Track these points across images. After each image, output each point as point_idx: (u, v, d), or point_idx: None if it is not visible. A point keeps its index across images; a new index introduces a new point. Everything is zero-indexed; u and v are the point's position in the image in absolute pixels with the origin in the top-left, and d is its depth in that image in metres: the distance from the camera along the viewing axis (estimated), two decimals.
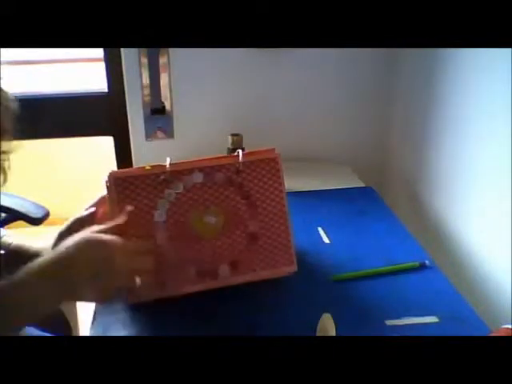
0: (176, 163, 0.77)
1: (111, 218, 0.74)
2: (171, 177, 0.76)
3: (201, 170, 0.78)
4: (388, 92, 1.33)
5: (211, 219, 0.77)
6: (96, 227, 0.68)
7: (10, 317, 0.61)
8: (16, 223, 1.27)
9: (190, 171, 0.77)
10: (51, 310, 0.65)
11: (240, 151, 0.80)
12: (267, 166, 0.80)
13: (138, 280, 0.68)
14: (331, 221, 1.03)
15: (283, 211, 0.80)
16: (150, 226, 0.75)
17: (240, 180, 0.79)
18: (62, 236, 0.73)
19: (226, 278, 0.77)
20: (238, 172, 0.79)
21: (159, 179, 0.76)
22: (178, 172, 0.77)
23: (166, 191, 0.76)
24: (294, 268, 0.81)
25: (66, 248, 0.64)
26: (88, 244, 0.65)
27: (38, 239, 0.81)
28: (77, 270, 0.63)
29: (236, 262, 0.77)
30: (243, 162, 0.79)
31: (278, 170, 0.81)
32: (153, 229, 0.75)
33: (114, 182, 0.74)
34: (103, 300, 0.69)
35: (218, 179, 0.78)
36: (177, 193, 0.76)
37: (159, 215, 0.75)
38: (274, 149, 0.82)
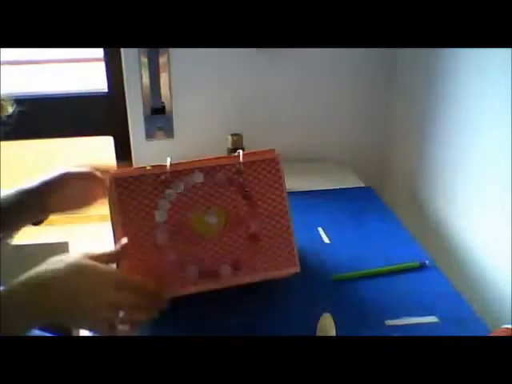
0: (176, 163, 0.77)
1: (112, 219, 0.74)
2: (171, 177, 0.76)
3: (201, 170, 0.78)
4: (388, 92, 1.33)
5: (212, 219, 0.77)
6: (91, 253, 0.66)
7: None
8: None
9: (191, 171, 0.77)
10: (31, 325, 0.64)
11: (240, 151, 0.80)
12: (268, 166, 0.80)
13: (120, 314, 0.65)
14: (331, 221, 1.03)
15: (284, 212, 0.80)
16: (150, 226, 0.75)
17: (241, 180, 0.79)
18: (48, 185, 0.78)
19: (228, 278, 0.77)
20: (238, 172, 0.79)
21: (160, 179, 0.76)
22: (179, 172, 0.77)
23: (167, 191, 0.76)
24: (296, 269, 0.80)
25: (51, 270, 0.62)
26: (77, 270, 0.63)
27: (38, 239, 0.81)
28: (55, 298, 0.61)
29: (238, 262, 0.77)
30: (244, 163, 0.79)
31: (279, 171, 0.81)
32: (154, 229, 0.75)
33: (114, 182, 0.74)
34: (80, 328, 0.67)
35: (218, 179, 0.78)
36: (177, 193, 0.76)
37: (160, 215, 0.75)
38: (274, 149, 0.82)
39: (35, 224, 0.81)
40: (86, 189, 0.81)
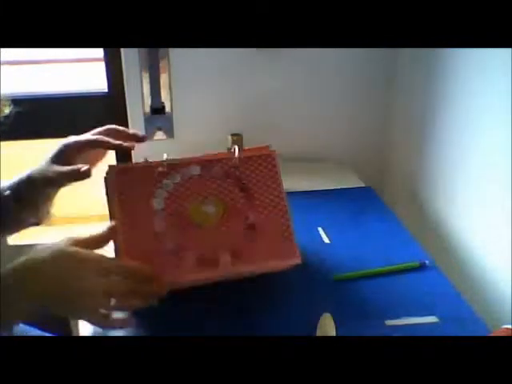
0: (173, 159, 0.78)
1: (110, 209, 0.74)
2: (169, 169, 0.77)
3: (198, 163, 0.78)
4: (388, 92, 1.33)
5: (210, 209, 0.77)
6: (78, 237, 0.66)
7: None
8: None
9: (188, 164, 0.78)
10: (18, 318, 0.63)
11: (236, 147, 0.81)
12: (264, 162, 0.81)
13: (111, 302, 0.64)
14: (331, 221, 1.03)
15: (282, 204, 0.80)
16: (148, 213, 0.74)
17: (237, 174, 0.79)
18: (53, 161, 0.76)
19: (227, 266, 0.75)
20: (235, 167, 0.79)
21: (157, 171, 0.76)
22: (176, 165, 0.77)
23: (164, 181, 0.76)
24: (297, 260, 0.79)
25: (41, 256, 0.62)
26: (63, 257, 0.63)
27: (38, 239, 0.81)
28: (45, 282, 0.61)
29: (237, 250, 0.76)
30: (240, 158, 0.80)
31: (275, 166, 0.81)
32: (151, 216, 0.74)
33: (112, 174, 0.75)
34: (73, 317, 0.66)
35: (215, 172, 0.79)
36: (174, 183, 0.77)
37: (157, 203, 0.75)
38: (267, 145, 0.83)
39: (36, 224, 0.81)
40: (87, 156, 0.80)
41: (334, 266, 0.89)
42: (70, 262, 0.63)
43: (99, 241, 0.68)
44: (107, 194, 0.75)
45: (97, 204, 0.85)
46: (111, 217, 0.74)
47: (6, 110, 0.71)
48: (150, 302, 0.67)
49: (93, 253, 0.65)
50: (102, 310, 0.64)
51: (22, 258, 0.62)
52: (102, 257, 0.65)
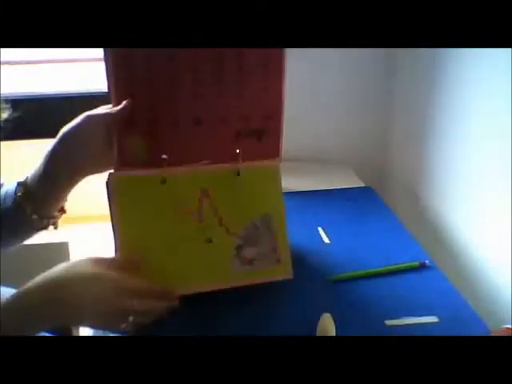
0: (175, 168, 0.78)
1: (111, 212, 0.74)
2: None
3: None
4: (388, 92, 1.33)
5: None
6: (97, 258, 0.68)
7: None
8: None
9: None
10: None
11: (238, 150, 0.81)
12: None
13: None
14: (331, 221, 1.03)
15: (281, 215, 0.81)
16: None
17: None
18: (65, 134, 0.74)
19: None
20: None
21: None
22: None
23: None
24: (289, 275, 0.82)
25: (59, 277, 0.63)
26: (81, 278, 0.64)
27: (38, 239, 0.81)
28: (63, 303, 0.62)
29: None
30: (243, 166, 0.81)
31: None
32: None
33: (113, 181, 0.75)
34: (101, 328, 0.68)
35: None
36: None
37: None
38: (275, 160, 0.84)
39: (42, 228, 0.80)
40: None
41: (333, 266, 0.89)
42: (88, 283, 0.64)
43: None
44: (108, 197, 0.75)
45: (97, 204, 0.85)
46: (112, 218, 0.75)
47: (4, 114, 0.71)
48: (163, 315, 0.69)
49: (111, 273, 0.66)
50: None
51: (40, 278, 0.63)
52: (120, 277, 0.66)
